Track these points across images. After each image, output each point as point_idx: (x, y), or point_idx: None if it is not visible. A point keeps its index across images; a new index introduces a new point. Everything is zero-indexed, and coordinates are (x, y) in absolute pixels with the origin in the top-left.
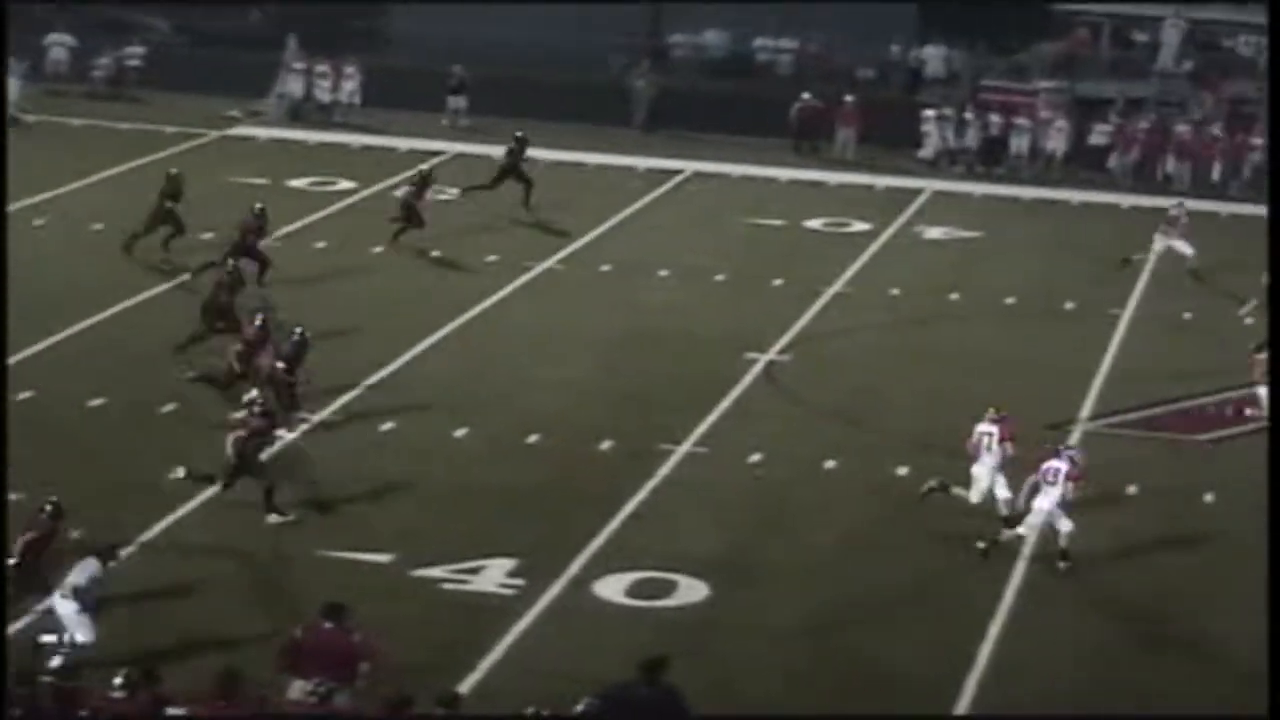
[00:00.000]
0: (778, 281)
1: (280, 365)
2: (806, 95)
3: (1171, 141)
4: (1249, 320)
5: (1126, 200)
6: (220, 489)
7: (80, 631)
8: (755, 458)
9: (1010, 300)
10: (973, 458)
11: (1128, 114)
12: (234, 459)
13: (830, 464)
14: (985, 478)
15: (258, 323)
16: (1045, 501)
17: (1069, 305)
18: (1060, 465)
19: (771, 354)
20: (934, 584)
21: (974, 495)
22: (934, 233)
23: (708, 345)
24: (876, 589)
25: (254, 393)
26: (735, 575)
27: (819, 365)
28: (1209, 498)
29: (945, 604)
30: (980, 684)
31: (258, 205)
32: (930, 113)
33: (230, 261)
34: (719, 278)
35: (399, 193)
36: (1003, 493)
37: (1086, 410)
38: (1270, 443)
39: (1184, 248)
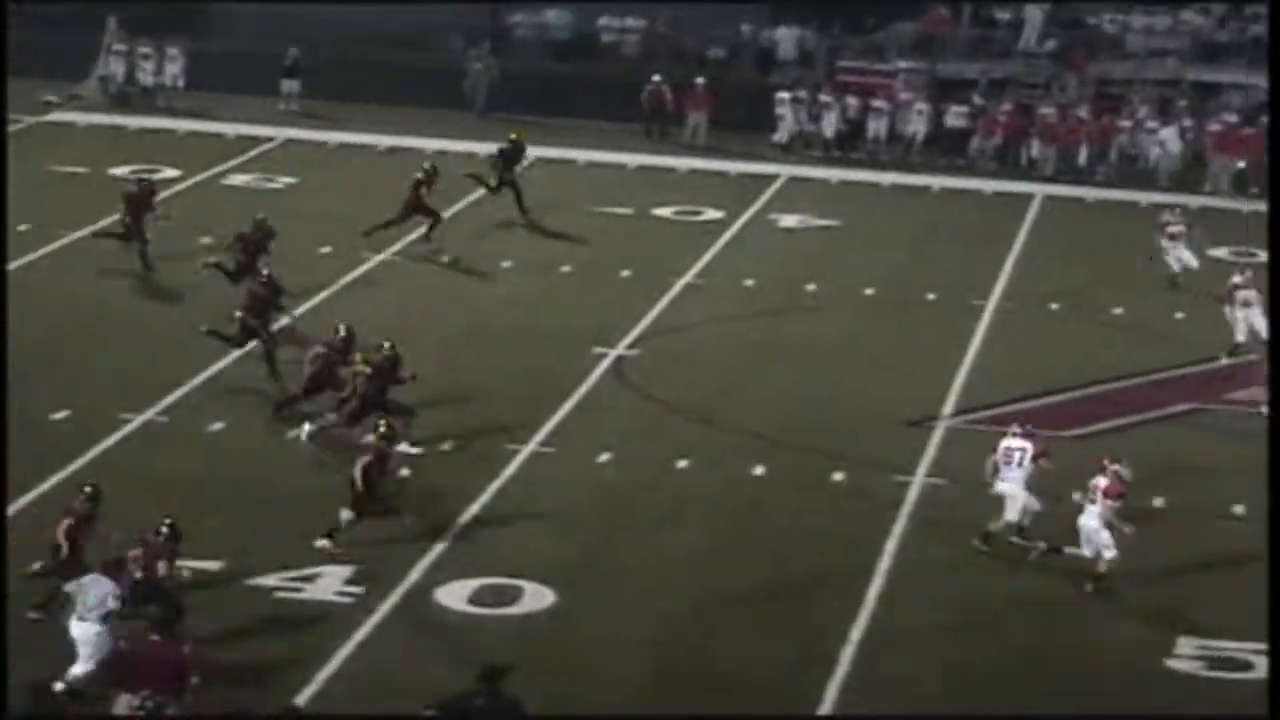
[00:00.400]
0: (626, 273)
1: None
2: (657, 77)
3: (1035, 124)
4: (1117, 310)
5: (989, 185)
6: (351, 519)
7: (92, 657)
8: (604, 457)
9: (869, 291)
10: (996, 473)
11: (990, 96)
12: (360, 486)
13: (683, 463)
14: (1019, 495)
15: (342, 333)
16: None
17: (930, 296)
18: (1100, 482)
19: (620, 349)
20: (792, 587)
21: (1010, 514)
22: (789, 221)
23: (553, 340)
24: (731, 593)
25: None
26: (583, 580)
27: (670, 360)
28: (1077, 496)
29: (804, 607)
30: (841, 688)
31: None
32: (784, 95)
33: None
34: (565, 269)
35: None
36: (1033, 505)
37: (949, 406)
38: (1270, 443)
39: (1190, 259)
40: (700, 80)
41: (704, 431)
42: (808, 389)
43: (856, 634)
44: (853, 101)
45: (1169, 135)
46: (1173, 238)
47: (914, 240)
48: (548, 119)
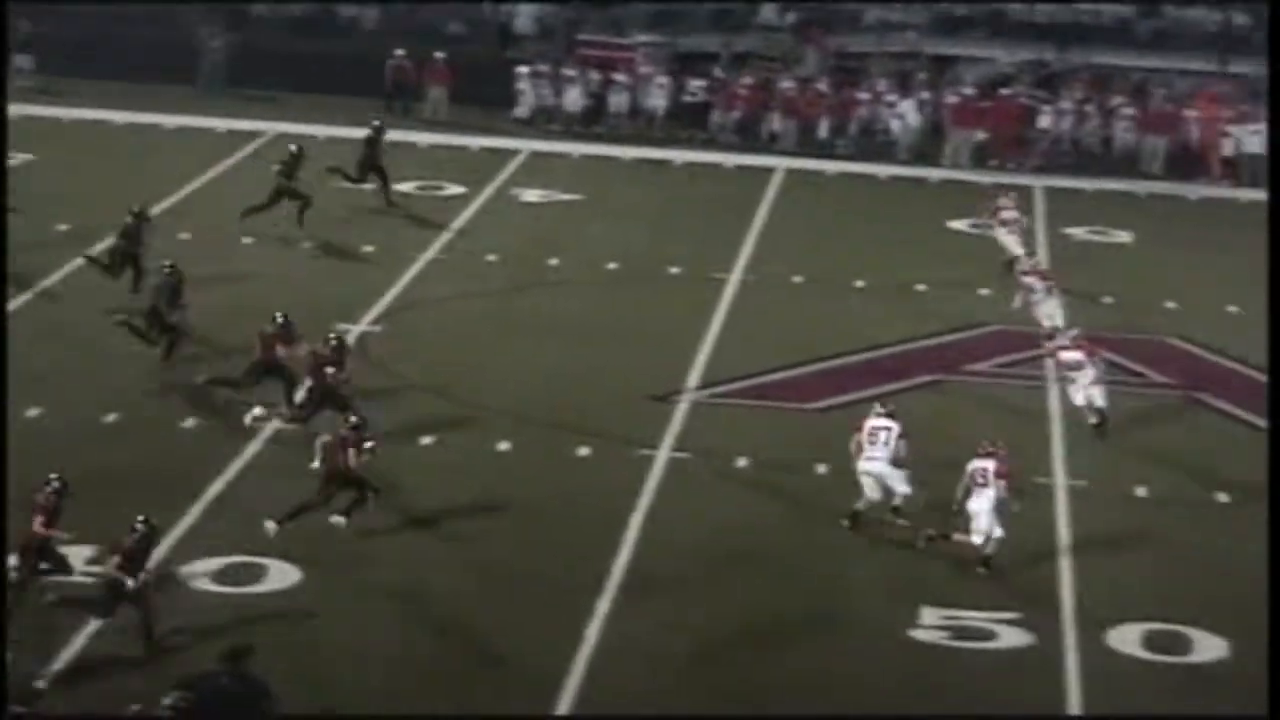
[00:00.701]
0: (368, 248)
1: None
2: (400, 52)
3: (775, 98)
4: (858, 283)
5: (731, 159)
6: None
7: None
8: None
9: (612, 265)
10: (861, 452)
11: (730, 70)
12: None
13: (427, 440)
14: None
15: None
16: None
17: (673, 270)
18: (988, 465)
19: (363, 325)
20: (539, 561)
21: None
22: (531, 195)
23: (295, 317)
24: (477, 569)
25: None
26: (328, 558)
27: (413, 336)
28: (821, 469)
29: (551, 580)
30: (589, 660)
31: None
32: (524, 70)
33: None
34: (305, 245)
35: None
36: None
37: (693, 380)
38: (1270, 442)
39: (1015, 246)
40: (440, 55)
41: (448, 408)
42: (552, 364)
43: (604, 606)
44: (594, 76)
45: (908, 108)
46: (1004, 223)
47: (656, 214)
48: (288, 94)
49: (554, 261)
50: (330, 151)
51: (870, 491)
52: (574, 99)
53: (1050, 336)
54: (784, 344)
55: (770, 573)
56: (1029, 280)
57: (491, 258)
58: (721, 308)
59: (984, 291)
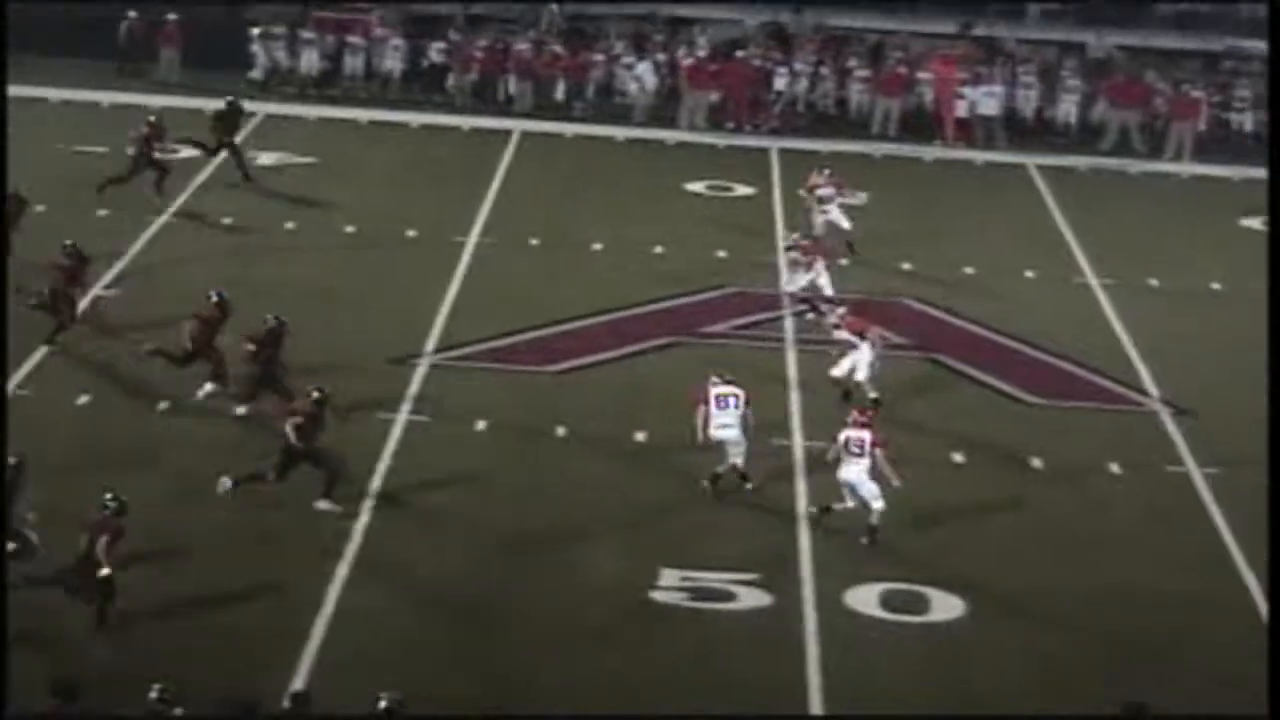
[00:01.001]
0: (102, 212)
1: (250, 347)
2: (133, 13)
3: (511, 60)
4: (596, 246)
5: (468, 122)
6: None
7: None
8: (83, 399)
9: (350, 229)
10: (709, 420)
11: (466, 32)
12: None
13: (163, 405)
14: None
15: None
16: (851, 473)
17: (411, 233)
18: (864, 435)
19: (97, 289)
20: (282, 524)
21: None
22: (268, 159)
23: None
24: (222, 532)
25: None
26: (48, 524)
27: (147, 300)
28: (560, 431)
29: (293, 547)
30: (328, 627)
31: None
32: (256, 31)
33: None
34: (39, 209)
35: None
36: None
37: (431, 343)
38: (1270, 439)
39: (842, 220)
40: (172, 16)
41: (182, 373)
42: (290, 327)
43: (342, 570)
44: (329, 39)
45: (644, 70)
46: (821, 200)
47: (393, 177)
48: (16, 55)
49: (290, 225)
50: (64, 114)
51: (737, 458)
52: (310, 61)
53: (814, 310)
54: (522, 307)
55: (509, 534)
56: (794, 255)
57: (227, 220)
58: (459, 271)
59: (721, 253)
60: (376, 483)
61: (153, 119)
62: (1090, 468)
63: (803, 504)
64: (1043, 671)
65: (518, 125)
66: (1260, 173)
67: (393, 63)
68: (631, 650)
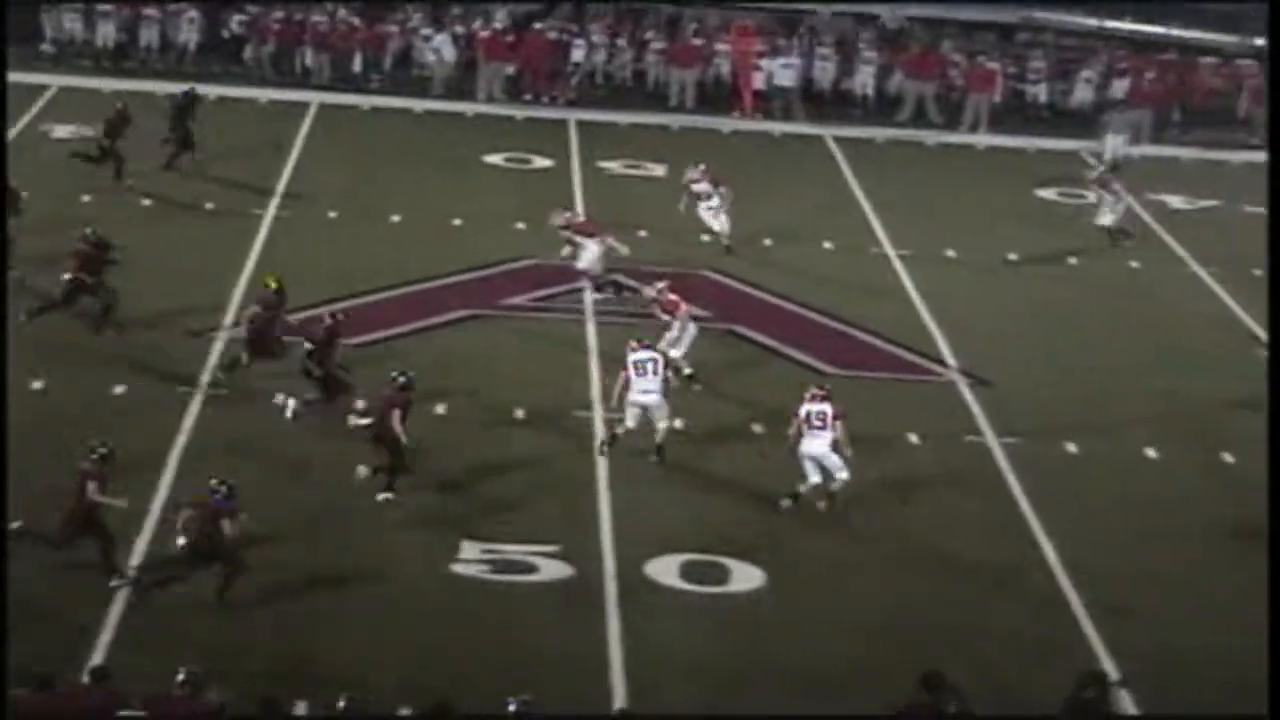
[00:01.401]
0: None
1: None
2: None
3: (309, 32)
4: (394, 219)
5: (265, 94)
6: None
7: None
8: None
9: (146, 202)
10: (627, 387)
11: (263, 4)
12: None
13: (37, 383)
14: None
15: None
16: (816, 446)
17: (209, 205)
18: (826, 408)
19: None
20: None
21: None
22: (63, 131)
23: None
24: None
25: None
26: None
27: None
28: (360, 405)
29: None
30: (125, 608)
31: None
32: (52, 3)
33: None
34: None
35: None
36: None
37: (229, 317)
38: (1270, 439)
39: (713, 222)
40: None
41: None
42: (87, 300)
43: (141, 544)
44: (125, 11)
45: (442, 42)
46: (697, 196)
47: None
48: None
49: (86, 198)
50: None
51: (632, 422)
52: (106, 33)
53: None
54: (320, 280)
55: (311, 509)
56: (569, 234)
57: (24, 193)
58: (257, 244)
59: (520, 225)
60: (175, 456)
61: (120, 105)
62: (890, 438)
63: (604, 475)
64: (842, 641)
65: (315, 97)
66: (1054, 144)
67: (189, 35)
68: (432, 622)
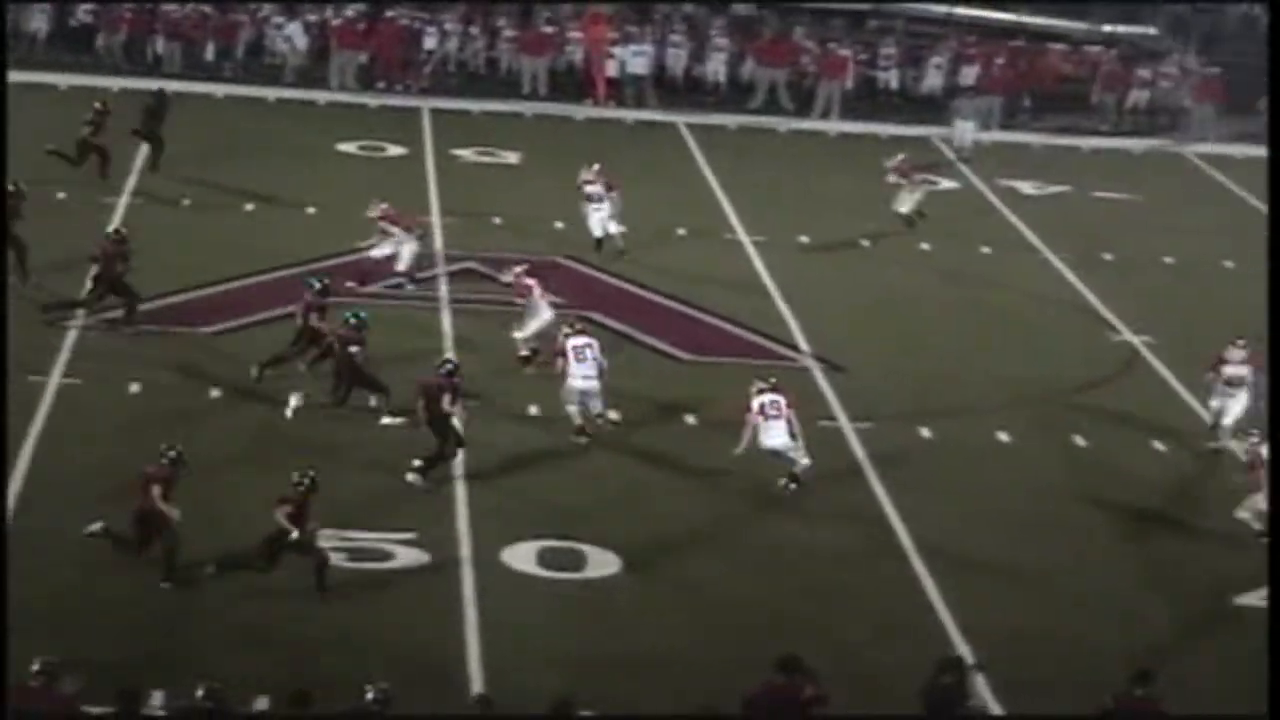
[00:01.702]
0: None
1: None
2: None
3: (160, 20)
4: (249, 207)
5: (117, 83)
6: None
7: None
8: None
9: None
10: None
11: None
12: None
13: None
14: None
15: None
16: (776, 439)
17: (61, 195)
18: (779, 397)
19: None
20: None
21: (596, 405)
22: None
23: None
24: None
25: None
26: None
27: None
28: (214, 393)
29: None
30: None
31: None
32: None
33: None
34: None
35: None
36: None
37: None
38: (1271, 442)
39: (598, 226)
40: None
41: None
42: None
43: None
44: None
45: (294, 30)
46: (589, 199)
47: (40, 140)
48: None
49: None
50: None
51: (573, 407)
52: None
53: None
54: (174, 268)
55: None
56: (385, 225)
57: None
58: None
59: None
60: (29, 446)
61: (99, 104)
62: (743, 424)
63: (460, 462)
64: (699, 626)
65: (168, 85)
66: (906, 130)
67: (39, 23)
68: (285, 609)
